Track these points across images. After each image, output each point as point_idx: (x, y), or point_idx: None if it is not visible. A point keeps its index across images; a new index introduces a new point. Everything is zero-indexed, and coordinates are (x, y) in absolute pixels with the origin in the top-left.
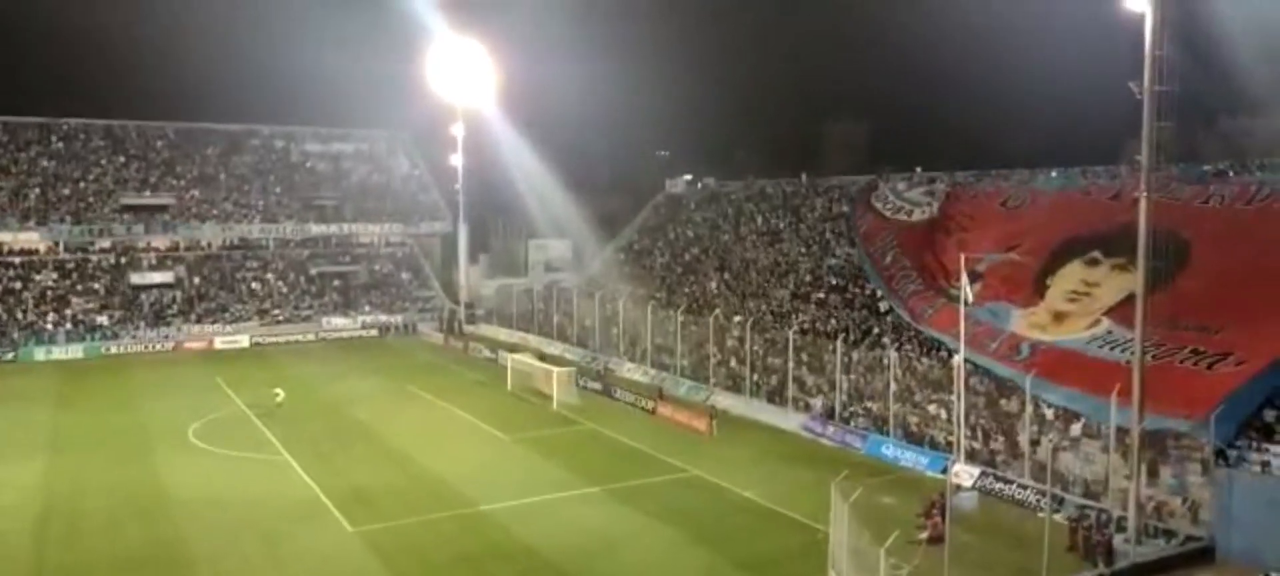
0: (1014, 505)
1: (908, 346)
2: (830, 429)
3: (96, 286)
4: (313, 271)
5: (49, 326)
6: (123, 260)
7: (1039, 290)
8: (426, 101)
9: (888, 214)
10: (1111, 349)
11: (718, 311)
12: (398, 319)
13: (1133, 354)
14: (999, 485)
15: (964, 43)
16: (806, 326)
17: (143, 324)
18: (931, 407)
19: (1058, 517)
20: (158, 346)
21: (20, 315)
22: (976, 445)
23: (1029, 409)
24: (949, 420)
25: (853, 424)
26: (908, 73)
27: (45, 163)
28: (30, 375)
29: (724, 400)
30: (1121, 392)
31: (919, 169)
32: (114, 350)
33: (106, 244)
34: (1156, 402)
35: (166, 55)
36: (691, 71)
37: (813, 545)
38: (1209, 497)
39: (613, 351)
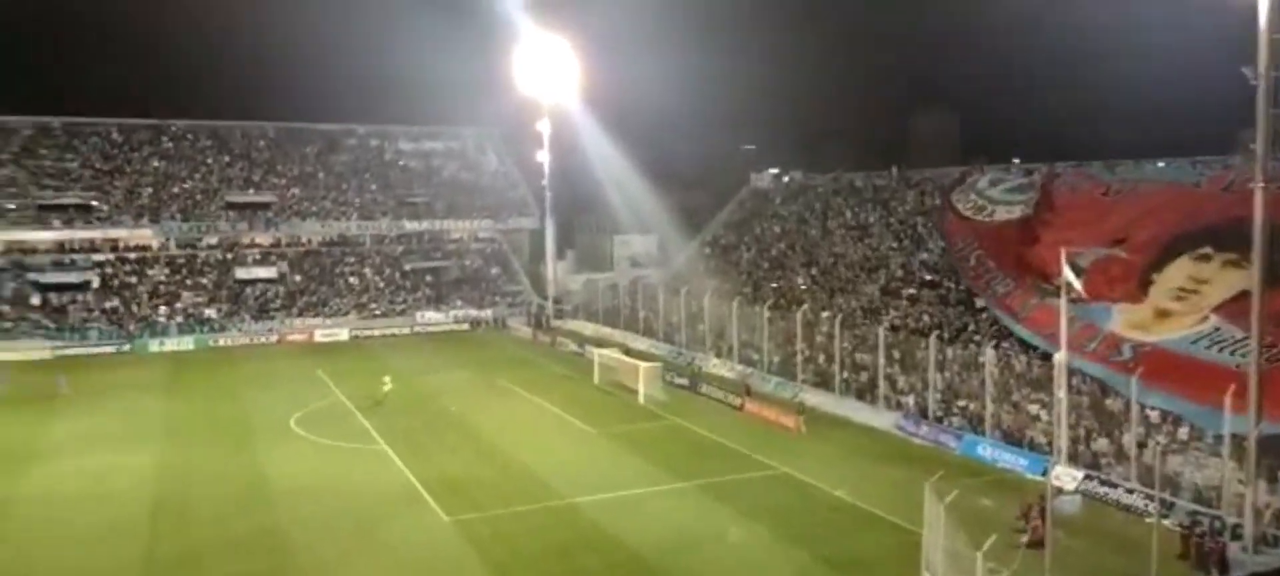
0: (1120, 510)
1: (1005, 344)
2: (923, 428)
3: (205, 281)
4: (407, 267)
5: (161, 319)
6: (229, 256)
7: (1143, 287)
8: (514, 99)
9: (969, 214)
10: (1219, 349)
11: (805, 307)
12: (487, 313)
13: (1242, 354)
14: (1104, 489)
15: (1061, 28)
16: (898, 323)
17: (248, 317)
18: (1032, 408)
19: (1167, 523)
20: (261, 339)
21: (135, 308)
22: (1079, 447)
23: (1135, 410)
24: (1049, 420)
25: (947, 423)
26: (1000, 61)
27: (156, 163)
28: (144, 366)
29: (812, 397)
30: (1236, 395)
31: (1016, 160)
32: (221, 342)
33: (213, 240)
34: (1274, 406)
35: (267, 58)
36: (778, 64)
37: (906, 546)
38: None
39: (699, 347)
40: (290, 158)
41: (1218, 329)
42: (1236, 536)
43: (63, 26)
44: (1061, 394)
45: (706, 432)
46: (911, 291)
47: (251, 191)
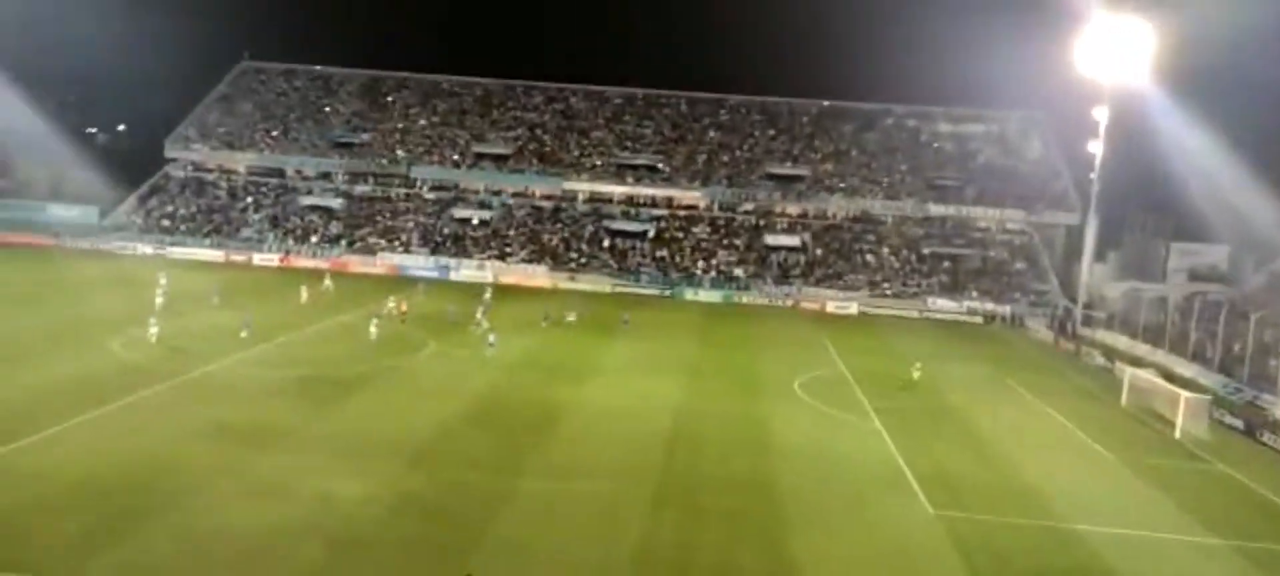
0: None
1: None
2: None
3: (737, 243)
4: (925, 250)
5: (698, 272)
6: (761, 222)
7: None
8: (1069, 81)
9: None
10: None
11: None
12: (1005, 309)
13: None
14: None
15: None
16: None
17: (769, 280)
18: None
19: None
20: (778, 302)
21: (679, 260)
22: None
23: None
24: None
25: None
26: None
27: (712, 133)
28: (681, 311)
29: None
30: None
31: None
32: (744, 300)
33: (749, 207)
34: None
35: (819, 35)
36: None
37: None
38: None
39: (1266, 386)
40: (828, 134)
41: None
42: None
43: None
44: None
45: (1261, 489)
46: None
47: (789, 164)
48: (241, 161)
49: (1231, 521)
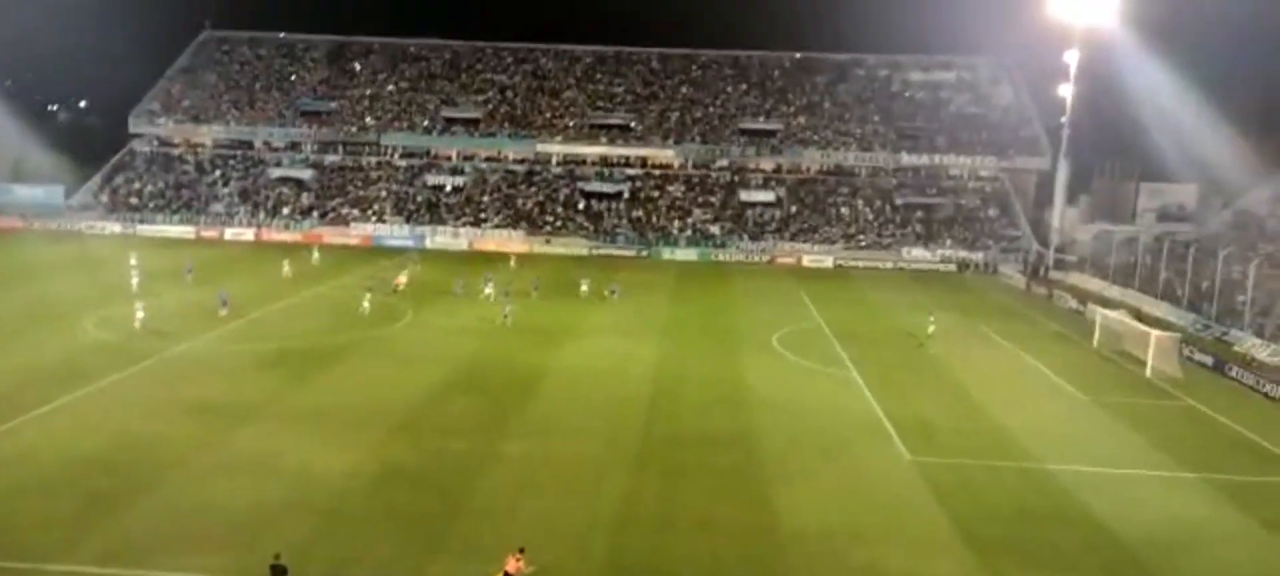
0: None
1: None
2: None
3: (712, 200)
4: (898, 201)
5: (674, 231)
6: (735, 179)
7: None
8: (1038, 26)
9: None
10: None
11: None
12: (978, 256)
13: None
14: None
15: None
16: None
17: (745, 236)
18: None
19: None
20: (755, 258)
21: (655, 219)
22: None
23: None
24: None
25: None
26: None
27: (684, 89)
28: (657, 270)
29: None
30: None
31: None
32: (720, 257)
33: (723, 163)
34: None
35: None
36: None
37: None
38: None
39: (1234, 321)
40: (800, 87)
41: None
42: None
43: None
44: None
45: (1229, 422)
46: None
47: (762, 119)
48: (208, 135)
49: (1202, 455)
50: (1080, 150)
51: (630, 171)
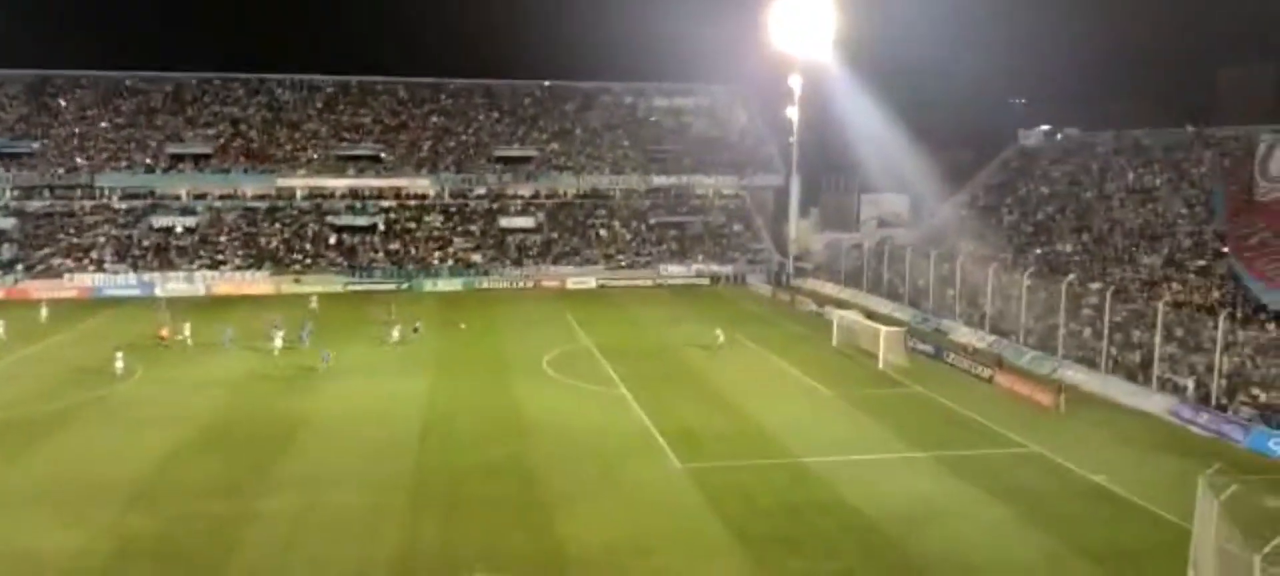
0: None
1: None
2: (1203, 416)
3: (473, 229)
4: (652, 221)
5: (435, 262)
6: (494, 206)
7: None
8: (767, 54)
9: (1258, 197)
10: None
11: (1072, 277)
12: (728, 269)
13: None
14: None
15: None
16: (1182, 298)
17: (508, 263)
18: None
19: None
20: (519, 284)
21: (413, 251)
22: None
23: None
24: None
25: (1233, 412)
26: None
27: (435, 118)
28: (420, 304)
29: (1073, 375)
30: None
31: None
32: (485, 285)
33: (481, 191)
34: None
35: (540, 16)
36: (1056, 9)
37: (1171, 542)
38: None
39: (947, 313)
40: (551, 114)
41: None
42: None
43: None
44: None
45: (950, 403)
46: (1201, 263)
47: (516, 146)
48: None
49: (930, 435)
50: (809, 167)
51: (383, 203)
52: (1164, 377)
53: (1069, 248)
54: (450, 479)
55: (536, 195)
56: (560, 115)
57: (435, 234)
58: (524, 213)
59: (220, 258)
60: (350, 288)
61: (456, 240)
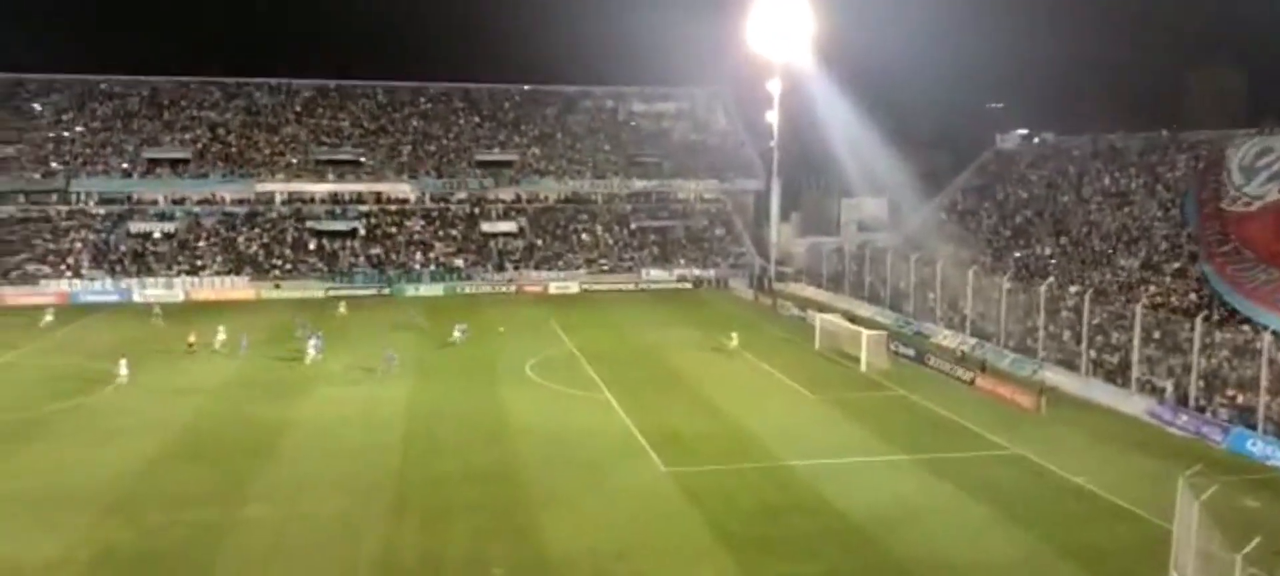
0: None
1: None
2: (1182, 417)
3: (454, 233)
4: (634, 225)
5: (417, 266)
6: (476, 210)
7: None
8: (746, 58)
9: (1226, 205)
10: None
11: (1051, 280)
12: (710, 273)
13: None
14: None
15: None
16: (1159, 300)
17: (490, 267)
18: None
19: None
20: (502, 288)
21: (395, 256)
22: None
23: None
24: None
25: (1211, 413)
26: None
27: (416, 122)
28: (402, 309)
29: (1053, 377)
30: None
31: None
32: (467, 290)
33: (462, 196)
34: None
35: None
36: (1032, 15)
37: (1151, 542)
38: None
39: (928, 317)
40: (532, 118)
41: None
42: None
43: None
44: None
45: (932, 406)
46: (1177, 265)
47: (497, 150)
48: None
49: (911, 437)
50: (789, 170)
51: (364, 207)
52: (1143, 379)
53: (1048, 250)
54: (434, 484)
55: (518, 199)
56: (541, 119)
57: (416, 238)
58: (506, 217)
59: (199, 263)
60: (331, 293)
61: (438, 244)
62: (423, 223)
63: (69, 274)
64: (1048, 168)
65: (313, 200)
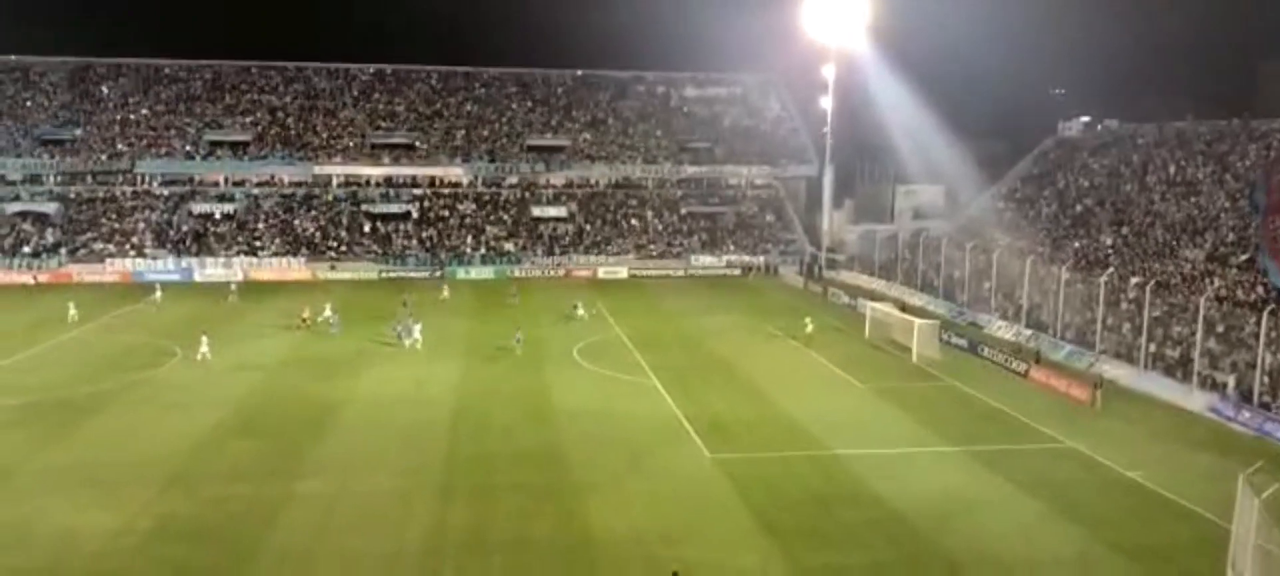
0: None
1: None
2: (1245, 413)
3: (505, 217)
4: (684, 211)
5: (468, 250)
6: (526, 195)
7: None
8: (800, 43)
9: None
10: None
11: (1111, 270)
12: (760, 260)
13: None
14: None
15: None
16: (1224, 293)
17: (540, 251)
18: None
19: None
20: (551, 273)
21: (447, 239)
22: None
23: None
24: None
25: (1276, 410)
26: None
27: (469, 107)
28: (453, 291)
29: (1110, 370)
30: None
31: None
32: (516, 274)
33: (514, 180)
34: None
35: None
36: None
37: (1209, 540)
38: None
39: (982, 306)
40: (584, 104)
41: None
42: None
43: None
44: None
45: (984, 397)
46: (1244, 258)
47: (548, 135)
48: None
49: (962, 430)
50: (842, 157)
51: (417, 191)
52: (1204, 374)
53: (1108, 241)
54: (481, 464)
55: (569, 184)
56: (593, 104)
57: (468, 222)
58: (556, 202)
59: (257, 244)
60: (385, 274)
61: (489, 228)
62: (474, 206)
63: (133, 253)
64: (1111, 155)
65: (368, 183)
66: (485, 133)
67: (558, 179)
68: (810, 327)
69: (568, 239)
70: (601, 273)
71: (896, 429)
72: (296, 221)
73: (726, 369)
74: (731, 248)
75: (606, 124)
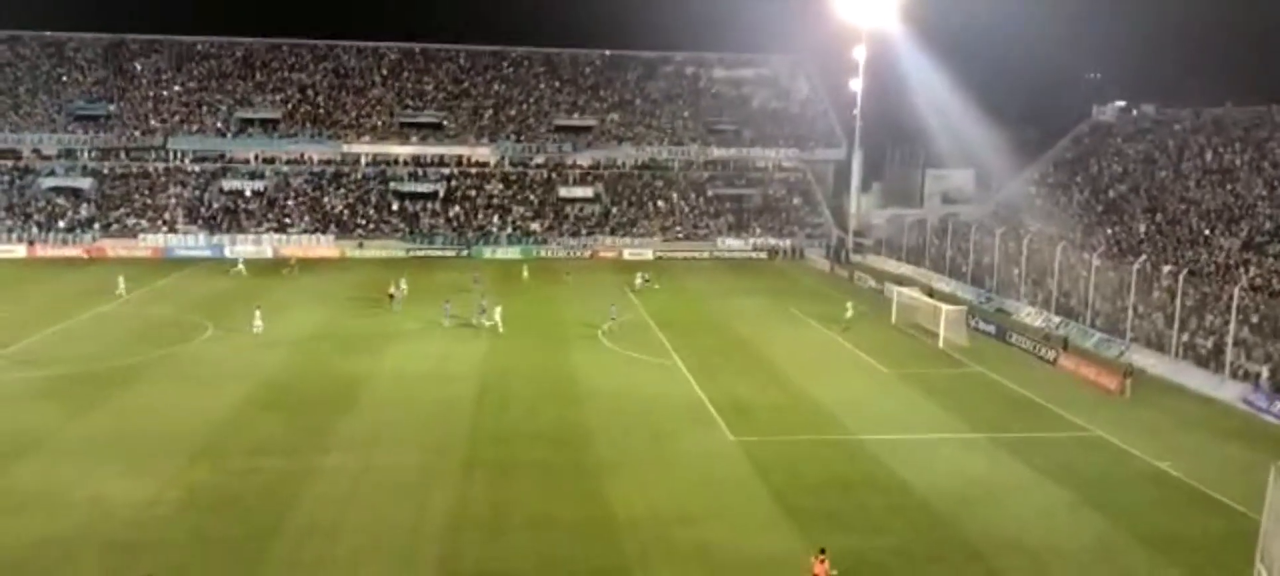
0: None
1: None
2: (1278, 405)
3: (532, 197)
4: (710, 193)
5: (494, 229)
6: (553, 175)
7: None
8: (830, 24)
9: None
10: None
11: (1144, 258)
12: (786, 243)
13: None
14: None
15: None
16: (1259, 282)
17: (566, 232)
18: None
19: None
20: (577, 253)
21: (474, 218)
22: None
23: None
24: None
25: None
26: None
27: (497, 87)
28: (480, 269)
29: (1141, 358)
30: None
31: None
32: (542, 254)
33: (540, 160)
34: None
35: None
36: None
37: (1238, 533)
38: None
39: (1011, 292)
40: (612, 84)
41: None
42: None
43: None
44: None
45: (1011, 384)
46: None
47: (576, 116)
48: None
49: (988, 416)
50: (871, 140)
51: (445, 170)
52: (1237, 364)
53: (1141, 228)
54: (504, 442)
55: (595, 165)
56: (620, 85)
57: (495, 202)
58: (583, 182)
59: (287, 221)
60: (412, 253)
61: (516, 208)
62: (501, 186)
63: (165, 229)
64: (1145, 141)
65: (396, 162)
66: (513, 112)
67: (584, 160)
68: (851, 314)
69: (594, 220)
70: (627, 254)
71: (921, 414)
72: (325, 199)
73: (751, 352)
74: (758, 231)
75: (634, 105)
